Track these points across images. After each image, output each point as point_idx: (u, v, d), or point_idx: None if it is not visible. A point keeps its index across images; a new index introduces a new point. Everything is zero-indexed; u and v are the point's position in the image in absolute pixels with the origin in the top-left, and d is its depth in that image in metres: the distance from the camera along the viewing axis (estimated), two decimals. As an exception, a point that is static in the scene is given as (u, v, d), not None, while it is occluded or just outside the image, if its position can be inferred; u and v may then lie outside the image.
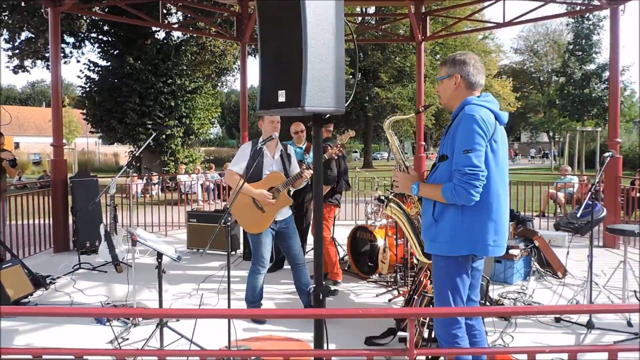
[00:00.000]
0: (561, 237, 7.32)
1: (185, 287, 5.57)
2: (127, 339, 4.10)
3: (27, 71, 21.98)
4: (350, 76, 36.89)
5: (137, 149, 20.12)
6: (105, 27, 18.80)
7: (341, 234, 6.77)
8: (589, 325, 4.07)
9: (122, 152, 31.76)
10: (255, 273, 4.50)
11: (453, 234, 2.63)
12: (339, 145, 5.03)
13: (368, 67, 35.70)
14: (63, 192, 7.34)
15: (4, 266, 4.72)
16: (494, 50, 39.92)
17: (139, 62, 17.36)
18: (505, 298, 5.00)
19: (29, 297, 4.90)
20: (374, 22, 30.77)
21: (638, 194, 9.37)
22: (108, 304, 4.91)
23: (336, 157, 5.29)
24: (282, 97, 1.87)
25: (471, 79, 2.76)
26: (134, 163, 20.75)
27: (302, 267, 4.55)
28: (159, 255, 3.70)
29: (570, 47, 32.86)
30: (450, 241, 2.64)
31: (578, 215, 4.17)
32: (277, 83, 1.91)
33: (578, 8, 9.51)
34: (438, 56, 35.10)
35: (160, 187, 16.22)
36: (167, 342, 3.79)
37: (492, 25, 9.44)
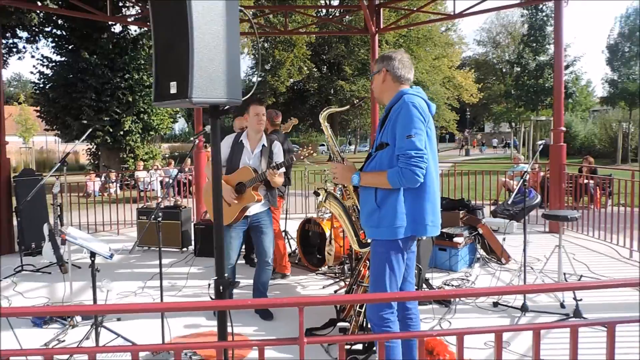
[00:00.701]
0: (510, 224, 7.50)
1: (132, 285, 5.49)
2: (64, 340, 4.01)
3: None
4: (315, 69, 36.91)
5: (94, 146, 19.69)
6: (60, 21, 18.23)
7: (293, 227, 6.77)
8: (523, 308, 4.19)
9: (82, 150, 30.98)
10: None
11: (396, 218, 2.70)
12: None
13: (332, 59, 35.73)
14: (6, 192, 7.11)
15: None
16: (457, 42, 40.51)
17: (95, 56, 16.94)
18: (448, 285, 5.10)
19: (-37, 301, 4.74)
20: (337, 14, 30.76)
21: (585, 181, 9.67)
22: (47, 305, 4.79)
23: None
24: (173, 88, 1.85)
25: (397, 72, 2.87)
26: (91, 161, 20.30)
27: (265, 265, 4.45)
28: (92, 254, 3.64)
29: (525, 38, 33.71)
30: (393, 224, 2.71)
31: (509, 202, 4.28)
32: (169, 74, 1.89)
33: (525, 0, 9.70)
34: (402, 49, 35.39)
35: (118, 184, 15.92)
36: (104, 342, 3.73)
37: (443, 16, 9.54)
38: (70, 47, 17.76)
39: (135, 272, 6.11)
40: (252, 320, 4.34)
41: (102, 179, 15.95)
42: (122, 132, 17.47)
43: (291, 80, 34.19)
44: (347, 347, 3.56)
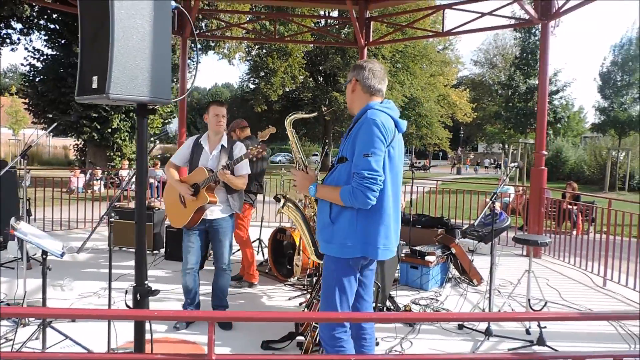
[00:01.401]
0: (487, 246, 7.43)
1: (95, 285, 5.35)
2: (12, 339, 3.87)
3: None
4: (310, 79, 36.93)
5: (82, 142, 19.50)
6: (54, 15, 18.11)
7: (267, 235, 6.66)
8: (487, 333, 4.10)
9: (71, 145, 30.72)
10: (183, 274, 4.36)
11: (348, 236, 2.62)
12: (258, 147, 4.84)
13: (328, 70, 35.80)
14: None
15: None
16: (453, 61, 40.80)
17: (87, 52, 16.81)
18: (416, 304, 5.01)
19: None
20: (332, 25, 30.90)
21: (568, 206, 9.64)
22: (2, 301, 4.65)
23: (254, 159, 5.15)
24: (95, 83, 1.77)
25: (366, 83, 2.78)
26: (78, 157, 20.10)
27: (221, 271, 4.35)
28: (44, 252, 3.52)
29: (517, 61, 34.01)
30: (345, 243, 2.63)
31: (476, 224, 4.22)
32: (92, 69, 1.81)
33: (513, 22, 9.74)
34: (399, 65, 35.58)
35: (103, 182, 15.76)
36: (52, 343, 3.61)
37: (432, 33, 9.54)
38: (62, 42, 17.64)
39: (102, 272, 5.97)
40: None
41: (87, 175, 15.78)
42: (109, 130, 17.33)
43: (286, 88, 34.23)
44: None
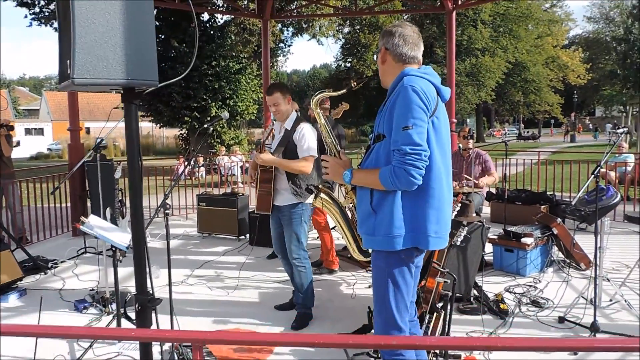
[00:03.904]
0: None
1: (180, 273, 5.45)
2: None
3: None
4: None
5: (185, 131, 20.51)
6: (155, 11, 19.09)
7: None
8: (593, 328, 3.53)
9: (174, 135, 32.59)
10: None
11: (394, 225, 2.26)
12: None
13: (424, 42, 34.43)
14: (80, 176, 7.45)
15: (-9, 251, 4.77)
16: (563, 19, 37.31)
17: (184, 45, 17.52)
18: (510, 292, 4.50)
19: (18, 282, 4.95)
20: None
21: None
22: (92, 289, 4.88)
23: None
24: (69, 68, 1.59)
25: (397, 50, 2.39)
26: (183, 145, 21.18)
27: (292, 266, 4.05)
28: (111, 246, 3.58)
29: (635, 11, 30.07)
30: (391, 233, 2.27)
31: (574, 202, 3.60)
32: (64, 53, 1.63)
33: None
34: (501, 29, 33.25)
35: (205, 169, 16.47)
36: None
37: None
38: (162, 37, 18.52)
39: (189, 259, 6.10)
40: (276, 319, 4.08)
41: (190, 163, 16.58)
42: (209, 118, 17.98)
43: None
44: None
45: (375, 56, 2.49)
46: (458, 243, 3.11)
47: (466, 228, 3.14)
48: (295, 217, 3.91)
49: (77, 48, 1.51)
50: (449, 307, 3.02)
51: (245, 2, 17.26)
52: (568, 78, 35.77)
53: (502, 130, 56.93)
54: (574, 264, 5.14)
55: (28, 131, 48.49)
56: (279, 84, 4.11)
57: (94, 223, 3.51)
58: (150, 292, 1.67)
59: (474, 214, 4.43)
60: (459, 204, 3.43)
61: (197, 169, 16.57)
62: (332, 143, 2.59)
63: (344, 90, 2.82)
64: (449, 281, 2.98)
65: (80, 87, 1.55)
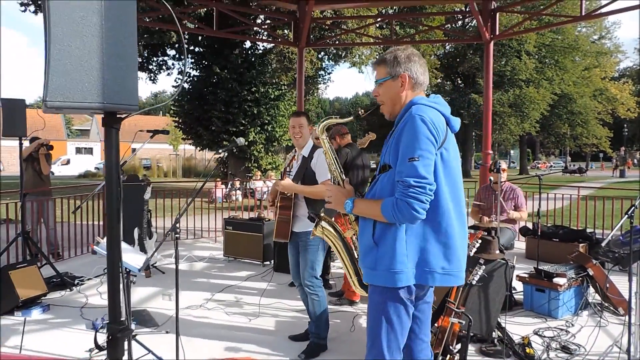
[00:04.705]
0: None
1: (200, 296, 5.42)
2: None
3: (154, 82, 23.62)
4: (448, 81, 35.56)
5: (224, 155, 20.82)
6: (199, 38, 19.66)
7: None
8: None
9: (212, 158, 33.20)
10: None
11: (396, 260, 2.14)
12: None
13: (466, 72, 34.16)
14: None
15: (18, 266, 4.88)
16: (612, 50, 36.32)
17: (225, 71, 17.94)
18: (539, 335, 4.23)
19: (42, 297, 5.03)
20: (459, 20, 29.43)
21: None
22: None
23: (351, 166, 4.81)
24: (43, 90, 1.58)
25: (419, 78, 2.32)
26: (221, 169, 21.55)
27: (307, 294, 3.95)
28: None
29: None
30: (392, 269, 2.15)
31: (604, 243, 3.36)
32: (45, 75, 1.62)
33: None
34: (546, 60, 32.65)
35: (242, 193, 16.64)
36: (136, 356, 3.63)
37: (568, 19, 8.35)
38: (205, 63, 19.03)
39: (211, 282, 6.07)
40: (288, 348, 3.96)
41: (228, 186, 16.81)
42: (247, 142, 18.23)
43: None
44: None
45: (379, 82, 2.36)
46: (474, 282, 2.94)
47: (483, 266, 2.96)
48: (312, 244, 3.84)
49: (51, 71, 1.50)
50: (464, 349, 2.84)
51: (285, 32, 17.59)
52: (617, 111, 34.60)
53: (548, 162, 55.39)
54: (612, 308, 4.82)
55: (78, 150, 50.80)
56: (306, 112, 4.19)
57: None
58: (124, 321, 1.62)
59: (500, 251, 4.22)
60: (479, 240, 3.26)
61: (233, 192, 16.77)
62: (336, 170, 2.52)
63: (351, 117, 2.78)
64: (463, 322, 2.81)
65: (55, 110, 1.54)
